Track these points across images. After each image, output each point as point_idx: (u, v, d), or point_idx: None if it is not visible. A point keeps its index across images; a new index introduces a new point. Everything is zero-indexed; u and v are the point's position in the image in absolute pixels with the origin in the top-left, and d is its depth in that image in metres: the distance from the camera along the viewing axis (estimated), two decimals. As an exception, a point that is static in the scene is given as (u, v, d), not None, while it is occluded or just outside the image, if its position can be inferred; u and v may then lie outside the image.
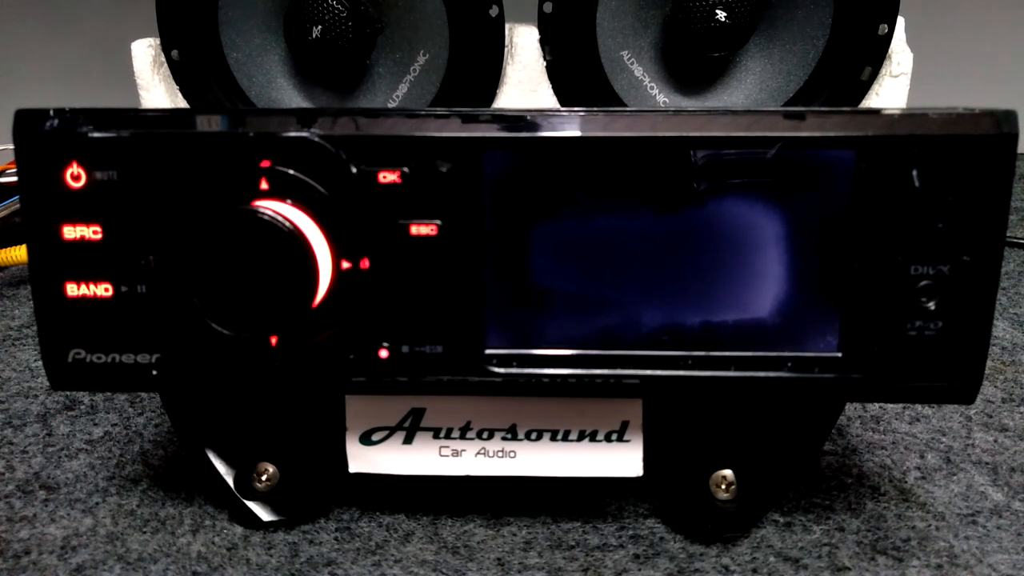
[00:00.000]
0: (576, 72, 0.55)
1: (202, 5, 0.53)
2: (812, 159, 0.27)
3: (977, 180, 0.26)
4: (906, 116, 0.26)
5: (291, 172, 0.26)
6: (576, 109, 0.27)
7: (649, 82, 0.57)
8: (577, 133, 0.27)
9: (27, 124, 0.27)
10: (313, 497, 0.33)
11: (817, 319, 0.28)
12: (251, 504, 0.33)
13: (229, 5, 0.54)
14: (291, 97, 0.57)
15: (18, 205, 0.65)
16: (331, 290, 0.27)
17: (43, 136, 0.27)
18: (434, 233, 0.27)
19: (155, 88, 0.56)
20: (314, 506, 0.34)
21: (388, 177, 0.27)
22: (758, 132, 0.26)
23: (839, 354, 0.28)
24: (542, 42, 0.55)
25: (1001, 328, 0.53)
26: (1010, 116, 0.26)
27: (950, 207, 0.26)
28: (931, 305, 0.27)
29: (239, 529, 0.33)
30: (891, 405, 0.43)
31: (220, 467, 0.33)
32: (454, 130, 0.27)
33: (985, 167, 0.26)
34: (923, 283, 0.27)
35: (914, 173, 0.26)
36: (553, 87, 0.56)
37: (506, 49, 0.55)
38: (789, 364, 0.28)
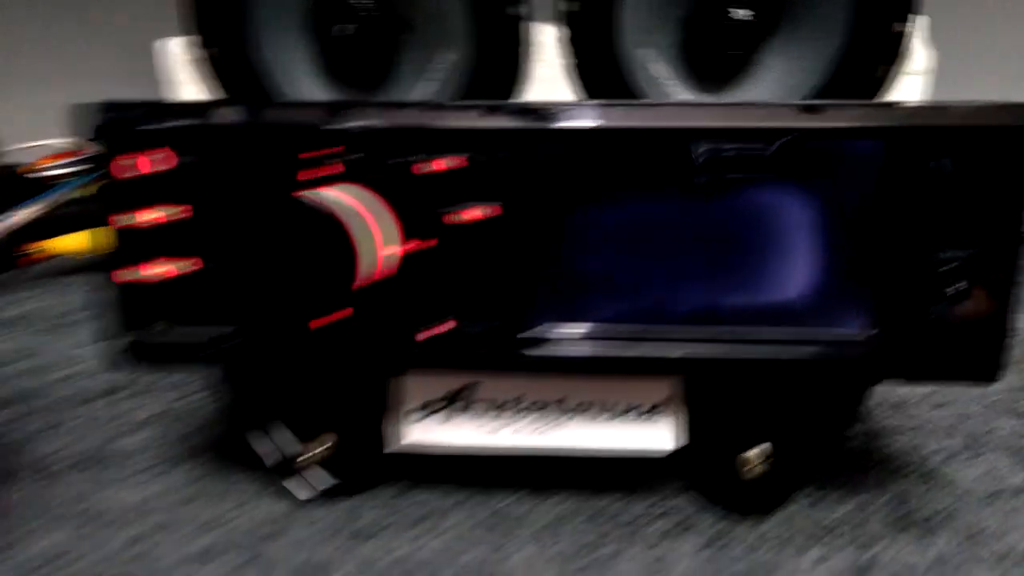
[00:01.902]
0: (598, 70, 0.56)
1: (234, 4, 0.55)
2: (845, 149, 0.28)
3: (1001, 169, 0.28)
4: (933, 108, 0.28)
5: (361, 159, 0.28)
6: (616, 102, 0.29)
7: (671, 79, 0.58)
8: (620, 124, 0.29)
9: (112, 115, 0.29)
10: (368, 467, 0.35)
11: (849, 302, 0.29)
12: (308, 473, 0.34)
13: (261, 4, 0.56)
14: (319, 96, 0.58)
15: (58, 199, 0.67)
16: (397, 269, 0.29)
17: (124, 125, 0.29)
18: (492, 215, 0.29)
19: (185, 87, 0.57)
20: (369, 476, 0.35)
21: (451, 164, 0.28)
22: (809, 124, 0.28)
23: (870, 335, 0.29)
24: (564, 40, 0.56)
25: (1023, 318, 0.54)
26: (1033, 108, 0.28)
27: (976, 194, 0.28)
28: (957, 288, 0.29)
29: (300, 494, 0.35)
30: (915, 391, 0.44)
31: (281, 438, 0.35)
32: (510, 122, 0.28)
33: (1009, 156, 0.28)
34: (950, 267, 0.29)
35: (941, 162, 0.28)
36: (576, 85, 0.57)
37: (530, 47, 0.57)
38: (822, 345, 0.30)
